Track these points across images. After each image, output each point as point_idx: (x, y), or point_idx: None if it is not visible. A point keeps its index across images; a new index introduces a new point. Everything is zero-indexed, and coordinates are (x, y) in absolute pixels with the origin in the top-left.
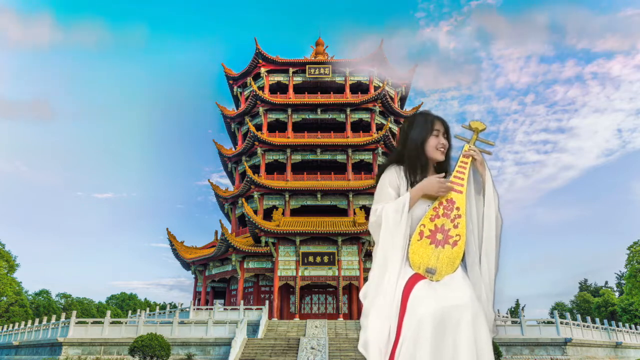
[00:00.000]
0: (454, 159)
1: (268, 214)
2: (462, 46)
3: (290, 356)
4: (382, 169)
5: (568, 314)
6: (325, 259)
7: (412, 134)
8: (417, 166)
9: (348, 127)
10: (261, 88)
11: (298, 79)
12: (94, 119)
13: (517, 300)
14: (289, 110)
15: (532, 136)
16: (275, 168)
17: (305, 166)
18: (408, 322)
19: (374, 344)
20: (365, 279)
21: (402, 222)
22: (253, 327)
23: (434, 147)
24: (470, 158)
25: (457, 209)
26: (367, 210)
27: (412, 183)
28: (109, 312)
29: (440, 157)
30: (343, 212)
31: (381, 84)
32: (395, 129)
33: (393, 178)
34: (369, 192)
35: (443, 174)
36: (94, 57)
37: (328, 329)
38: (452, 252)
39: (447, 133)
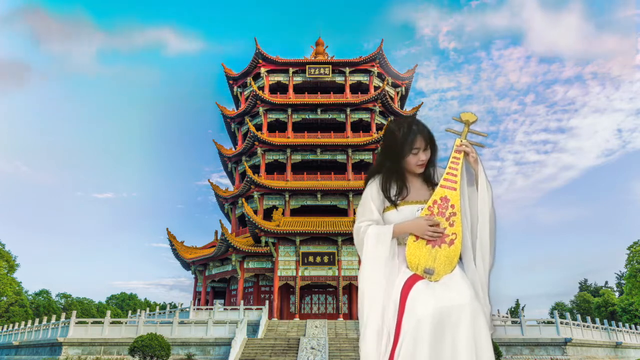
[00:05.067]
0: (445, 158)
1: (268, 214)
2: (462, 46)
3: (290, 356)
4: (366, 180)
5: (568, 314)
6: (325, 259)
7: (390, 151)
8: (393, 183)
9: (348, 127)
10: (261, 88)
11: (298, 79)
12: (93, 120)
13: (517, 300)
14: (289, 110)
15: (532, 136)
16: (275, 168)
17: (305, 166)
18: (407, 322)
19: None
20: None
21: (382, 254)
22: (253, 327)
23: (413, 164)
24: (462, 153)
25: (452, 206)
26: None
27: (388, 197)
28: (109, 312)
29: (419, 171)
30: (343, 212)
31: (381, 84)
32: None
33: (375, 191)
34: None
35: (434, 217)
36: (94, 57)
37: (328, 329)
38: (449, 251)
39: (430, 142)
